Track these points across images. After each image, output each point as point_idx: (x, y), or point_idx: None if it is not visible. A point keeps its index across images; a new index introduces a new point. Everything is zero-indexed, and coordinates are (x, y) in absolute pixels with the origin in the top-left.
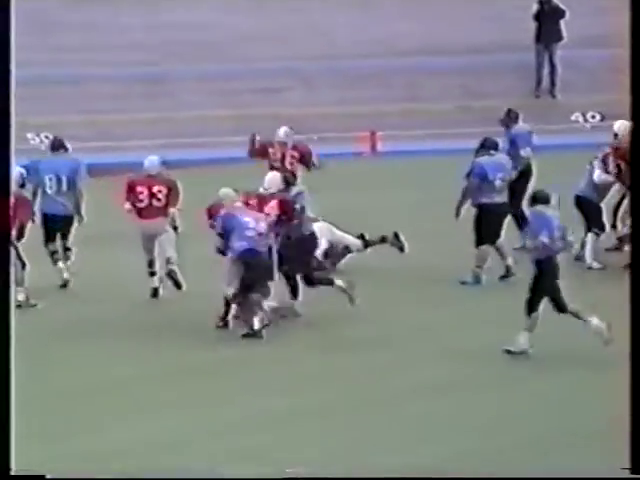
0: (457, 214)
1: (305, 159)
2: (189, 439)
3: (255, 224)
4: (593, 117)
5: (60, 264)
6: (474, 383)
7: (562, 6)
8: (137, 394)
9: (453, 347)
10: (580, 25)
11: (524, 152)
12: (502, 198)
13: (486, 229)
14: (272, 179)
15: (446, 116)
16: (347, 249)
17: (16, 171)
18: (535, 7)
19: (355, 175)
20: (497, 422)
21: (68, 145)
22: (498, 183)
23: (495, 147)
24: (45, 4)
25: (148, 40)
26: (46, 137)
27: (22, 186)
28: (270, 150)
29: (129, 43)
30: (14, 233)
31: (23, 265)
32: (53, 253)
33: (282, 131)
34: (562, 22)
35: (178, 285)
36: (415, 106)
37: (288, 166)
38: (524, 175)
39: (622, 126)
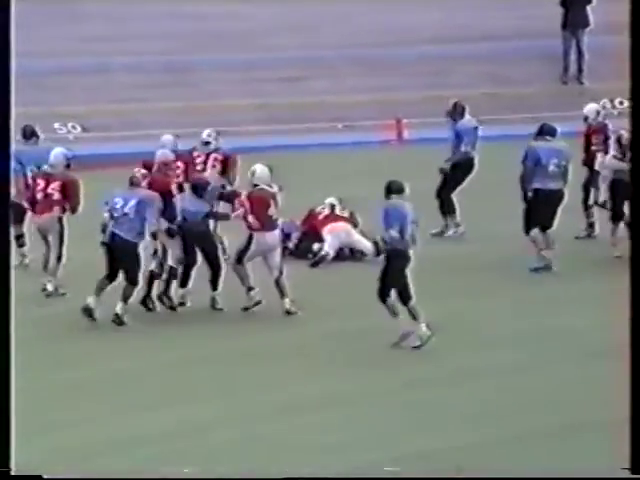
0: (525, 199)
1: (227, 164)
2: (206, 427)
3: (123, 203)
4: (621, 103)
5: (25, 249)
6: (476, 374)
7: None
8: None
9: (463, 338)
10: (607, 11)
11: (464, 147)
12: (556, 185)
13: (535, 214)
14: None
15: (473, 103)
16: (362, 253)
17: (60, 152)
18: None
19: (382, 163)
20: (498, 413)
21: (40, 133)
22: (552, 169)
23: (552, 133)
24: None
25: (173, 30)
26: (73, 127)
27: (68, 167)
28: (194, 153)
29: (154, 33)
30: (65, 216)
31: (59, 257)
32: (19, 237)
33: (205, 133)
34: (589, 8)
35: None
36: (441, 93)
37: (209, 169)
38: (461, 168)
39: (592, 109)
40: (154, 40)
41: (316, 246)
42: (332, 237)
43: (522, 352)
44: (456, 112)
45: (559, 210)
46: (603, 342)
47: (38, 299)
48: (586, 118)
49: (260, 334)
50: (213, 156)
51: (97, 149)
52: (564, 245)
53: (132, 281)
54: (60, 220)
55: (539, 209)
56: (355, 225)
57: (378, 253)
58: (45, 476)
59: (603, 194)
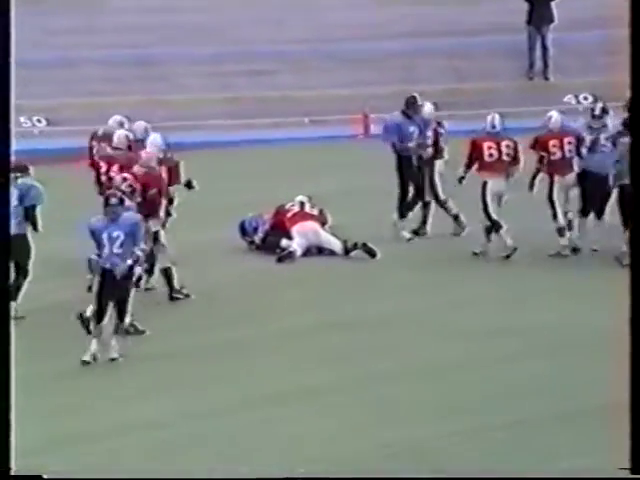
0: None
1: None
2: (210, 413)
3: (108, 238)
4: (585, 99)
5: None
6: (469, 362)
7: None
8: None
9: (452, 328)
10: (571, 7)
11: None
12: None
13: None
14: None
15: (439, 98)
16: (331, 252)
17: (157, 138)
18: None
19: (349, 157)
20: (491, 401)
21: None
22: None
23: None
24: None
25: (141, 22)
26: (38, 121)
27: (129, 148)
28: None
29: (122, 26)
30: (165, 201)
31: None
32: None
33: (137, 125)
34: (553, 4)
35: None
36: (408, 88)
37: None
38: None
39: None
40: (122, 33)
41: (284, 242)
42: (300, 237)
43: (501, 344)
44: (414, 107)
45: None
46: (578, 334)
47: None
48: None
49: (232, 329)
50: None
51: (63, 143)
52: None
53: (124, 313)
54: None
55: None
56: (324, 223)
57: (347, 251)
58: (45, 476)
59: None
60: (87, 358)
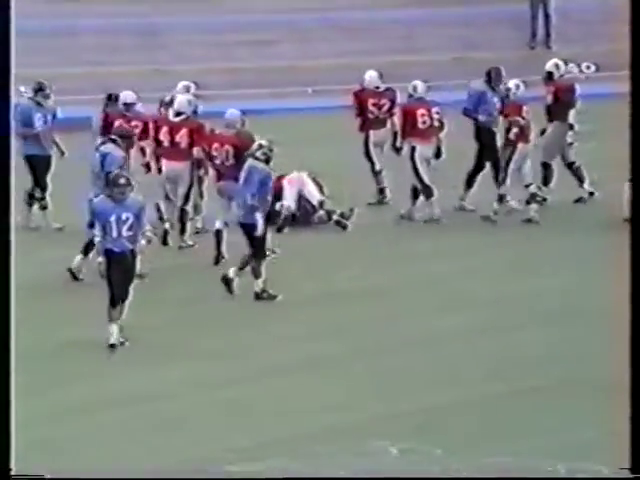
0: None
1: None
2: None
3: (117, 220)
4: (588, 67)
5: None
6: (470, 332)
7: None
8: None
9: (456, 297)
10: None
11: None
12: None
13: None
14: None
15: (442, 68)
16: (312, 207)
17: (184, 99)
18: None
19: (349, 128)
20: (491, 370)
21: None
22: None
23: None
24: None
25: None
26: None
27: (195, 113)
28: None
29: None
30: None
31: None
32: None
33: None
34: None
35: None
36: (411, 58)
37: None
38: None
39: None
40: (122, 3)
41: (277, 205)
42: (290, 187)
43: (491, 314)
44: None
45: None
46: (568, 304)
47: None
48: (550, 74)
49: (229, 299)
50: None
51: (65, 112)
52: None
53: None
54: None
55: None
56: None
57: (329, 218)
58: (48, 476)
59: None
60: (113, 341)
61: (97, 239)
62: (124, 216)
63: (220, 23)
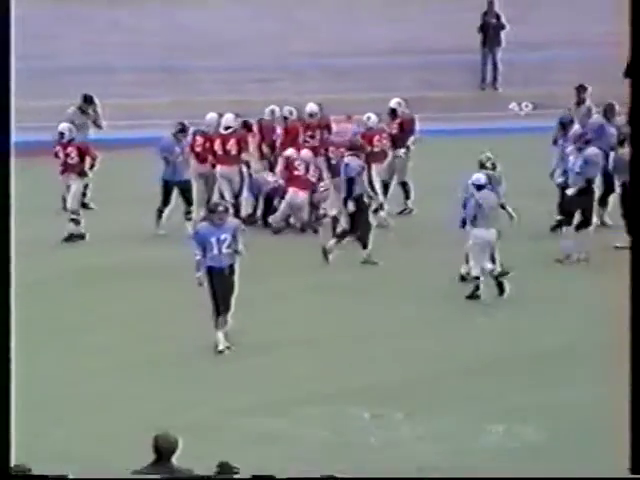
0: None
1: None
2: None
3: (216, 239)
4: (527, 106)
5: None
6: (439, 318)
7: (503, 21)
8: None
9: (425, 286)
10: (517, 33)
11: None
12: None
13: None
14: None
15: (410, 104)
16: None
17: (231, 116)
18: (480, 21)
19: None
20: (461, 346)
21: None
22: None
23: None
24: (82, 5)
25: (167, 40)
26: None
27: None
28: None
29: (152, 42)
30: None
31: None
32: None
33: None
34: (502, 33)
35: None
36: (386, 95)
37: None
38: None
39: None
40: (153, 47)
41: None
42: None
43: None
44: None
45: None
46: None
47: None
48: (394, 110)
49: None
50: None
51: (108, 135)
52: None
53: (229, 305)
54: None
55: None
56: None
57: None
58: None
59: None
60: (221, 347)
61: (197, 257)
62: (223, 237)
63: (232, 65)
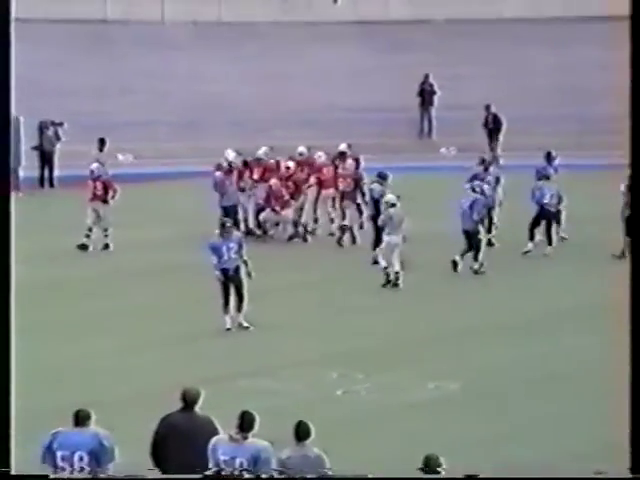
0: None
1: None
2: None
3: (227, 249)
4: (452, 151)
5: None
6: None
7: (435, 88)
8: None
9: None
10: (446, 97)
11: None
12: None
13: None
14: None
15: (363, 149)
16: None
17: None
18: (418, 90)
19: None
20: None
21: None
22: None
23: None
24: (113, 72)
25: (187, 100)
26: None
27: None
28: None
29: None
30: None
31: None
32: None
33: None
34: (435, 97)
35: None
36: (353, 141)
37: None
38: None
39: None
40: (175, 108)
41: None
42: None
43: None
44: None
45: None
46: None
47: None
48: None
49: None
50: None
51: (141, 170)
52: None
53: (242, 296)
54: None
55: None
56: None
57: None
58: (52, 476)
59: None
60: (228, 326)
61: (214, 262)
62: (231, 245)
63: (230, 119)
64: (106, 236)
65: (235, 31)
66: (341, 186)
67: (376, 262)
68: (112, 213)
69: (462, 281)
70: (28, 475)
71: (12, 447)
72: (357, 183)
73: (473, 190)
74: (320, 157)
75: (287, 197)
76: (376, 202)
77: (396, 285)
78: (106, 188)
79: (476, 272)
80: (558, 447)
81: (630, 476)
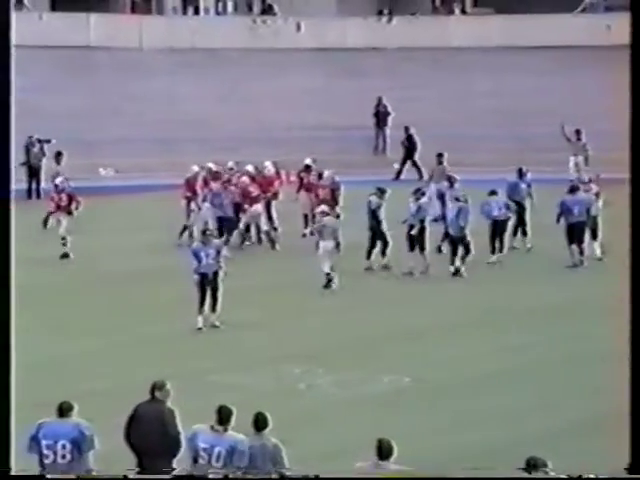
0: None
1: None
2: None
3: (205, 255)
4: (396, 165)
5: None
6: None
7: (389, 110)
8: None
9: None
10: (401, 117)
11: None
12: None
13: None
14: None
15: (326, 164)
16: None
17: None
18: (374, 111)
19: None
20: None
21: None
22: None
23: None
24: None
25: (163, 120)
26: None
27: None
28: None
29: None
30: None
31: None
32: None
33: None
34: (389, 118)
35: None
36: (319, 157)
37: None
38: None
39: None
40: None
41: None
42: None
43: None
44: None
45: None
46: None
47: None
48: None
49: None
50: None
51: (122, 183)
52: None
53: (217, 299)
54: None
55: None
56: None
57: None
58: (49, 476)
59: None
60: (200, 325)
61: (194, 266)
62: (210, 251)
63: (209, 137)
64: (64, 245)
65: (207, 57)
66: (321, 194)
67: (369, 268)
68: (94, 222)
69: (414, 284)
70: (28, 475)
71: (12, 447)
72: (333, 192)
73: (457, 200)
74: (269, 170)
75: (256, 193)
76: (373, 212)
77: (328, 287)
78: (70, 200)
79: (457, 271)
80: (502, 435)
81: (630, 476)
